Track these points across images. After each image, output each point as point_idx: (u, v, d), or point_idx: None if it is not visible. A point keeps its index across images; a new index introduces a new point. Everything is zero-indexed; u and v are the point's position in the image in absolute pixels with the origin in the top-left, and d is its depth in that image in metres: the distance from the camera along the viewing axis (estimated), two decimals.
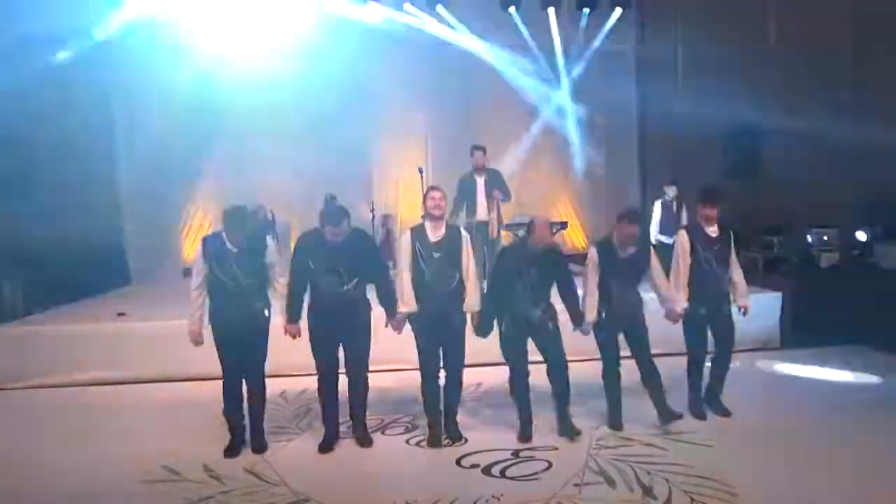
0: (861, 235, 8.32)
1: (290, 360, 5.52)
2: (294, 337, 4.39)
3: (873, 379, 5.95)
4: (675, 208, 7.61)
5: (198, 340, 4.35)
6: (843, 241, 8.31)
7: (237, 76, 10.17)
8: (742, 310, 4.86)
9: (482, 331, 4.52)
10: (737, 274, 4.87)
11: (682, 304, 4.70)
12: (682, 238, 4.79)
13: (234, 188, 9.47)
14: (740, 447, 4.37)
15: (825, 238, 8.27)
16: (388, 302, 4.41)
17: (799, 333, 6.90)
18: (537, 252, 4.40)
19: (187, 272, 4.42)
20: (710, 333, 4.89)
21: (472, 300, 4.44)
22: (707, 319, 4.78)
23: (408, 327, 4.47)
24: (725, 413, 4.88)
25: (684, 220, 7.56)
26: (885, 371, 6.14)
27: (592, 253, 4.61)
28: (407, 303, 4.36)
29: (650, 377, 4.64)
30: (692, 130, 10.32)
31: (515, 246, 4.69)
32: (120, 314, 6.65)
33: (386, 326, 4.45)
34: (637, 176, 10.93)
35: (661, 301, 4.72)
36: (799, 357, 6.61)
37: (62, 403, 5.63)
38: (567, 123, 10.85)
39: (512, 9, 9.94)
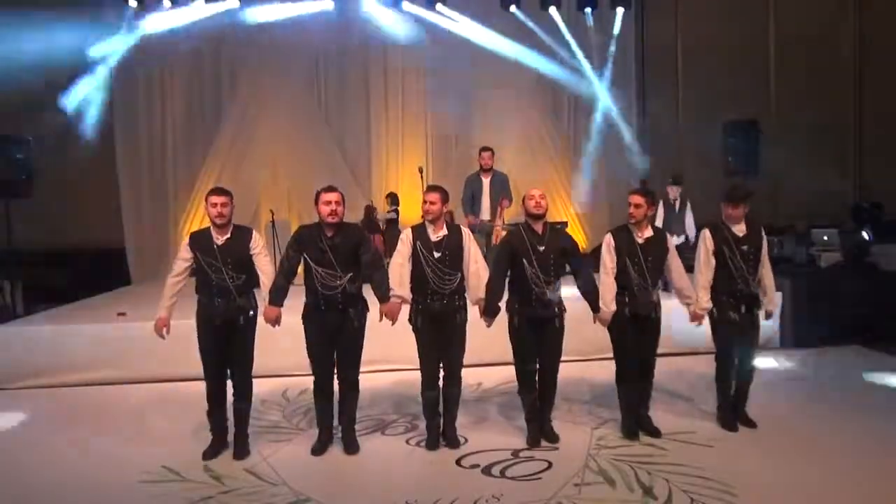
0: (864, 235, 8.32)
1: (290, 360, 5.56)
2: (273, 323, 4.22)
3: (873, 379, 5.95)
4: (677, 208, 7.60)
5: (162, 333, 4.31)
6: (844, 241, 8.31)
7: (237, 76, 10.21)
8: (767, 315, 4.67)
9: (489, 311, 4.38)
10: (766, 276, 4.63)
11: (704, 304, 4.55)
12: (706, 235, 4.60)
13: (233, 188, 9.45)
14: (740, 447, 4.37)
15: (825, 238, 8.26)
16: (381, 289, 4.30)
17: (799, 333, 6.90)
18: (543, 231, 4.36)
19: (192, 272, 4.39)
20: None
21: (479, 287, 4.39)
22: (735, 323, 4.55)
23: (408, 328, 4.46)
24: (751, 424, 4.65)
25: (688, 221, 7.55)
26: (885, 371, 6.14)
27: (609, 238, 4.51)
28: (400, 288, 4.29)
29: (644, 381, 4.60)
30: (692, 130, 10.36)
31: (515, 230, 4.58)
32: (120, 314, 6.64)
33: (381, 320, 4.34)
34: (637, 175, 10.90)
35: (683, 300, 4.61)
36: (799, 357, 6.62)
37: (62, 403, 5.63)
38: (565, 123, 10.87)
39: (513, 7, 9.96)
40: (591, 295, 4.45)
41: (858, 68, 11.10)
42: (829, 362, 6.47)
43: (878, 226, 9.08)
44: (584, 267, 4.49)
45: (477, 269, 4.42)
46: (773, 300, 4.71)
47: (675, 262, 4.56)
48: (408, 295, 4.35)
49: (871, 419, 4.84)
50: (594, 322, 4.51)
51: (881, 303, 7.11)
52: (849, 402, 5.30)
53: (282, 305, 4.23)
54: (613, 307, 4.44)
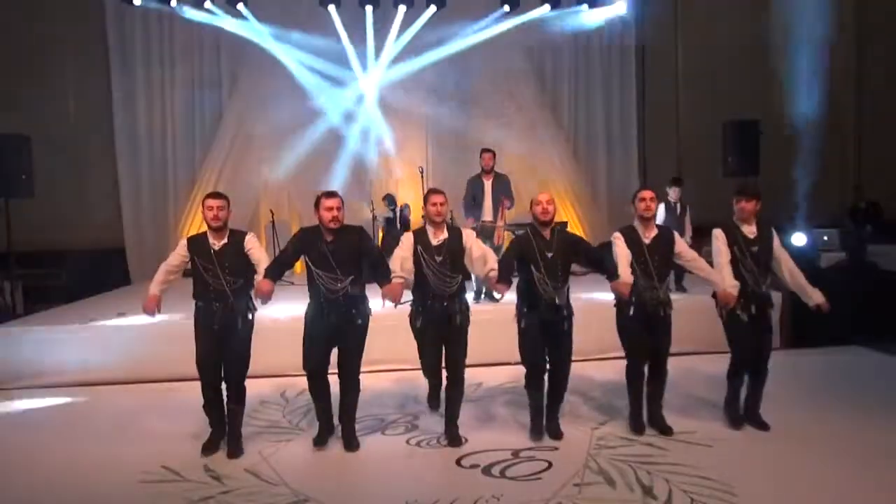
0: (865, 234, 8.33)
1: (289, 361, 5.54)
2: (265, 297, 4.11)
3: (873, 379, 5.95)
4: (678, 210, 7.61)
5: (153, 311, 4.28)
6: (844, 241, 8.31)
7: (237, 76, 10.21)
8: (817, 308, 4.61)
9: (503, 278, 4.27)
10: (796, 274, 4.59)
11: (731, 281, 4.42)
12: (718, 232, 4.53)
13: (233, 188, 9.48)
14: (740, 447, 4.37)
15: (825, 238, 8.26)
16: (383, 274, 4.24)
17: (799, 333, 6.89)
18: (551, 236, 4.35)
19: (187, 273, 4.40)
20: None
21: (486, 263, 4.33)
22: (747, 325, 4.51)
23: (409, 328, 4.46)
24: (764, 427, 4.60)
25: (688, 223, 7.56)
26: (885, 371, 6.14)
27: (617, 235, 4.49)
28: (402, 271, 4.26)
29: (657, 380, 4.59)
30: (692, 129, 10.36)
31: (524, 234, 4.53)
32: (120, 314, 6.65)
33: (383, 306, 4.31)
34: (637, 175, 10.92)
35: (710, 283, 4.51)
36: (799, 357, 6.61)
37: (62, 403, 5.63)
38: (564, 122, 10.87)
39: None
40: (606, 264, 4.35)
41: (858, 68, 11.10)
42: (829, 362, 6.47)
43: (877, 226, 9.09)
44: (593, 249, 4.49)
45: (482, 253, 4.39)
46: (813, 293, 4.61)
47: (689, 253, 4.54)
48: (410, 277, 4.32)
49: (871, 419, 4.84)
50: (612, 292, 4.41)
51: (881, 303, 7.11)
52: (848, 402, 5.29)
53: (276, 281, 4.21)
54: (631, 276, 4.34)
